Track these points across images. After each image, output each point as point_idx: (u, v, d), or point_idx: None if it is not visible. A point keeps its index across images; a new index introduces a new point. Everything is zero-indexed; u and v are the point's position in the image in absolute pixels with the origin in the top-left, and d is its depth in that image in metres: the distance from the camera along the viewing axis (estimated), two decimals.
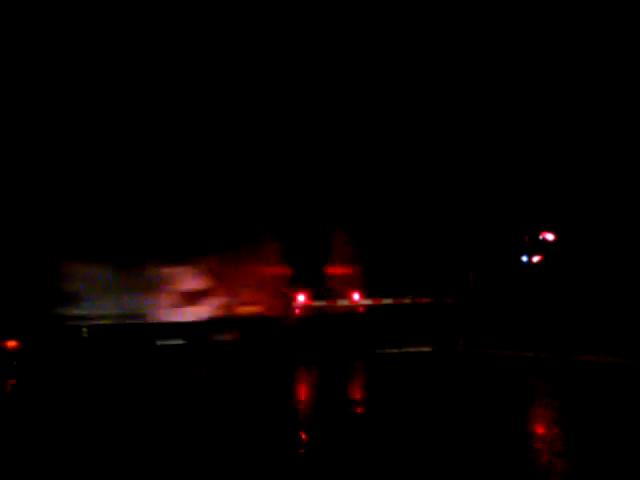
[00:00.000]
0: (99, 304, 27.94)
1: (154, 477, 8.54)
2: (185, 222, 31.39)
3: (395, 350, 21.93)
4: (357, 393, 15.13)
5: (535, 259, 36.70)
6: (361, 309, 34.35)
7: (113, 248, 28.96)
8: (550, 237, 36.61)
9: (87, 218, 29.85)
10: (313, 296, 34.19)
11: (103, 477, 8.52)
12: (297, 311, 32.72)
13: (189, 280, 30.93)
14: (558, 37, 32.89)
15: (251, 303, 31.14)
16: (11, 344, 25.20)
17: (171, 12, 31.57)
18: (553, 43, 33.22)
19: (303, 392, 16.02)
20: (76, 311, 27.20)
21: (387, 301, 35.26)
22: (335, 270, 35.38)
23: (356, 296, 35.53)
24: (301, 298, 33.52)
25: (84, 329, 27.58)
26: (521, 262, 37.28)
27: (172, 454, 9.49)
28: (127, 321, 26.47)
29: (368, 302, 34.99)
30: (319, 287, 34.41)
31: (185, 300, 30.06)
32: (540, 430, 11.10)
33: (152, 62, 31.77)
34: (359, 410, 12.91)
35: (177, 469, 8.77)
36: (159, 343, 23.85)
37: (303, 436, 10.62)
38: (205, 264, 31.38)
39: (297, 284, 33.51)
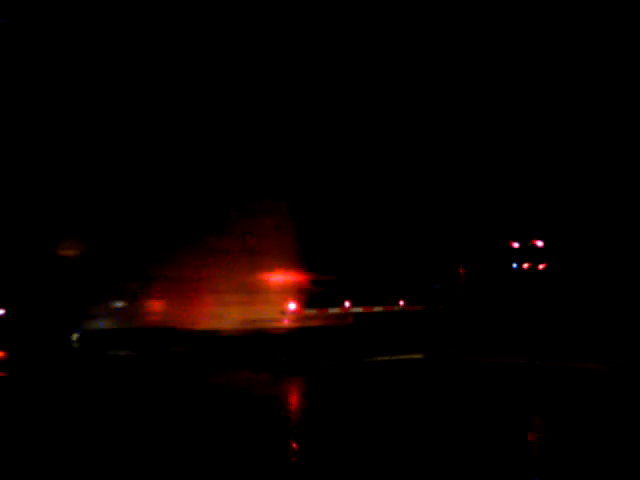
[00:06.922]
0: None
1: None
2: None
3: (387, 358, 21.79)
4: (349, 401, 14.98)
5: (525, 266, 36.84)
6: (350, 318, 34.20)
7: None
8: (540, 244, 36.77)
9: None
10: (304, 304, 34.06)
11: None
12: (286, 321, 32.54)
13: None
14: (551, 48, 33.14)
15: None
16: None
17: (171, 12, 31.51)
18: (547, 53, 33.49)
19: (294, 400, 15.87)
20: None
21: (378, 309, 35.20)
22: (326, 278, 35.34)
23: (347, 304, 35.43)
24: (292, 306, 33.38)
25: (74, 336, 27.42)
26: (512, 269, 37.41)
27: (165, 463, 9.34)
28: None
29: (359, 310, 34.90)
30: (311, 295, 34.33)
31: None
32: (532, 437, 11.02)
33: (151, 64, 31.67)
34: (351, 418, 12.78)
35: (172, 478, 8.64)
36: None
37: (294, 445, 10.50)
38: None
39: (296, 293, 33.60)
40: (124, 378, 19.41)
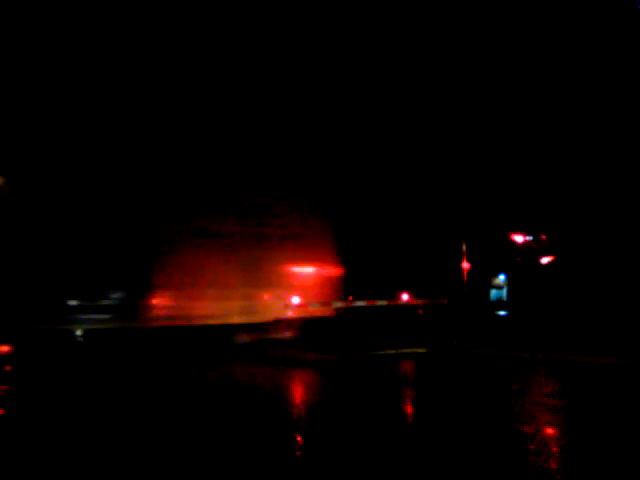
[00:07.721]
0: None
1: None
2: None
3: (390, 351, 21.85)
4: (353, 395, 15.04)
5: (529, 260, 36.82)
6: (354, 312, 34.18)
7: None
8: (544, 238, 36.75)
9: None
10: (308, 298, 34.07)
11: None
12: (290, 314, 32.56)
13: None
14: (549, 46, 33.07)
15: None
16: (3, 349, 24.99)
17: (171, 12, 31.44)
18: (548, 48, 33.38)
19: (298, 394, 15.94)
20: None
21: (381, 302, 35.21)
22: (328, 272, 35.38)
23: (350, 298, 35.45)
24: (296, 300, 33.41)
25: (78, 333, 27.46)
26: (515, 263, 37.42)
27: (166, 457, 9.39)
28: None
29: (363, 304, 34.91)
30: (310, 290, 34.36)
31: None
32: (534, 430, 11.05)
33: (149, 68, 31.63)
34: (355, 412, 12.83)
35: (171, 472, 8.69)
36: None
37: (299, 438, 10.55)
38: None
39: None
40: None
